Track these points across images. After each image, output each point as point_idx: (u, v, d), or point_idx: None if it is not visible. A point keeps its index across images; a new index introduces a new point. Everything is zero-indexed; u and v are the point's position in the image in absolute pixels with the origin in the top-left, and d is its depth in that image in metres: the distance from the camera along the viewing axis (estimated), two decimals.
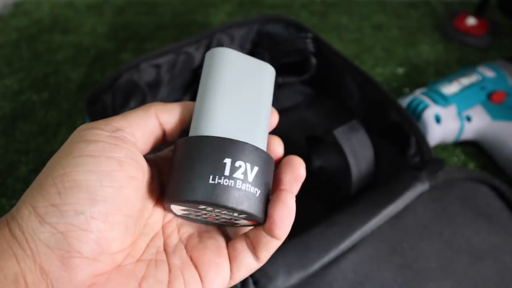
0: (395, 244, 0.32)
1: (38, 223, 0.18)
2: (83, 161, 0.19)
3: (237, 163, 0.20)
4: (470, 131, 0.42)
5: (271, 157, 0.22)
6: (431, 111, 0.41)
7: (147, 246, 0.22)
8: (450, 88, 0.43)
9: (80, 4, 0.62)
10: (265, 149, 0.23)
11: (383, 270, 0.30)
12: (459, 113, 0.42)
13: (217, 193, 0.20)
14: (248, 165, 0.21)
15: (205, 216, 0.22)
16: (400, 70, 0.52)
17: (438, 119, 0.41)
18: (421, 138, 0.36)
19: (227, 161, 0.20)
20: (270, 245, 0.22)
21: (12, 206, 0.40)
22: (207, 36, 0.44)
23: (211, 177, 0.20)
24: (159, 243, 0.22)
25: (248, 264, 0.22)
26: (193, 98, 0.44)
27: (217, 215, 0.22)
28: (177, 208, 0.22)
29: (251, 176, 0.20)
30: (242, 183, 0.20)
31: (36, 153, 0.44)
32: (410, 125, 0.37)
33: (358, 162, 0.35)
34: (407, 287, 0.30)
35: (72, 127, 0.46)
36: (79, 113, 0.47)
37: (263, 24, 0.46)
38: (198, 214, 0.22)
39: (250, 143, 0.21)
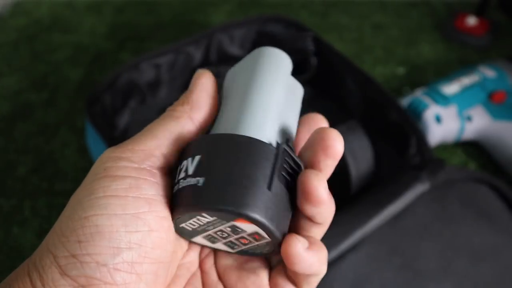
0: (395, 244, 0.31)
1: (59, 275, 0.16)
2: (106, 203, 0.17)
3: (182, 164, 0.18)
4: (471, 131, 0.42)
5: (236, 136, 0.18)
6: (431, 111, 0.41)
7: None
8: (451, 88, 0.43)
9: (79, 4, 0.62)
10: (236, 132, 0.19)
11: (383, 270, 0.30)
12: (460, 113, 0.42)
13: (177, 205, 0.18)
14: (190, 158, 0.18)
15: (233, 238, 0.19)
16: (400, 70, 0.52)
17: (438, 119, 0.41)
18: (421, 138, 0.36)
19: (180, 167, 0.18)
20: (311, 281, 0.19)
21: (11, 206, 0.40)
22: (207, 36, 0.44)
23: (175, 187, 0.18)
24: (197, 284, 0.20)
25: None
26: None
27: (221, 231, 0.18)
28: (198, 239, 0.20)
29: (191, 168, 0.18)
30: (183, 180, 0.18)
31: (35, 153, 0.44)
32: (410, 125, 0.37)
33: (357, 162, 0.35)
34: (408, 287, 0.30)
35: (72, 127, 0.46)
36: (79, 113, 0.47)
37: (263, 23, 0.46)
38: (218, 238, 0.19)
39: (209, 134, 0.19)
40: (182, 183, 0.18)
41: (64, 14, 0.60)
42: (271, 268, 0.21)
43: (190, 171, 0.18)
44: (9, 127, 0.46)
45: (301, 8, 0.62)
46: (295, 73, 0.46)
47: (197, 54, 0.43)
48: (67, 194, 0.41)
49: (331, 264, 0.30)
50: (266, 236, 0.18)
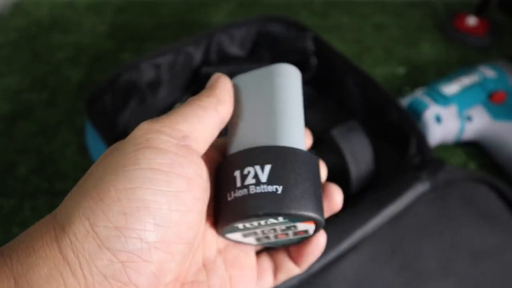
0: (396, 244, 0.31)
1: (97, 247, 0.15)
2: (152, 178, 0.16)
3: (245, 171, 0.19)
4: (471, 131, 0.42)
5: (292, 148, 0.20)
6: (431, 111, 0.41)
7: (190, 263, 0.21)
8: (451, 88, 0.43)
9: (79, 4, 0.62)
10: (285, 144, 0.21)
11: (384, 270, 0.30)
12: (460, 113, 0.42)
13: (236, 208, 0.19)
14: (258, 167, 0.19)
15: (272, 235, 0.21)
16: (401, 70, 0.52)
17: (438, 119, 0.41)
18: (421, 138, 0.36)
19: (236, 173, 0.20)
20: (291, 273, 0.23)
21: (11, 206, 0.40)
22: (207, 36, 0.44)
23: (227, 195, 0.19)
24: (199, 257, 0.21)
25: (289, 271, 0.23)
26: None
27: (273, 229, 0.21)
28: (239, 237, 0.21)
29: (263, 176, 0.19)
30: (256, 187, 0.19)
31: (35, 153, 0.44)
32: (410, 125, 0.37)
33: (357, 162, 0.35)
34: (408, 287, 0.30)
35: (72, 127, 0.46)
36: (79, 113, 0.47)
37: (263, 24, 0.46)
38: (261, 236, 0.21)
39: (261, 145, 0.20)
40: (256, 189, 0.19)
41: (64, 14, 0.60)
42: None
43: (264, 179, 0.19)
44: (9, 127, 0.46)
45: (301, 8, 0.62)
46: None
47: (197, 54, 0.43)
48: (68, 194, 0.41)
49: (331, 264, 0.30)
50: (311, 233, 0.21)
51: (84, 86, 0.50)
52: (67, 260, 0.15)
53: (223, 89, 0.21)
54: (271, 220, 0.19)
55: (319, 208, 0.19)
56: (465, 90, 0.43)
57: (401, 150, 0.37)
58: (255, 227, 0.20)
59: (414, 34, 0.57)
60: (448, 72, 0.51)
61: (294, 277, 0.29)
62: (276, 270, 0.23)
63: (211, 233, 0.22)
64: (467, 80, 0.44)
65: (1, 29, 0.58)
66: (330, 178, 0.39)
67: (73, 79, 0.51)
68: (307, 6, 0.62)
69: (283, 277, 0.23)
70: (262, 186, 0.19)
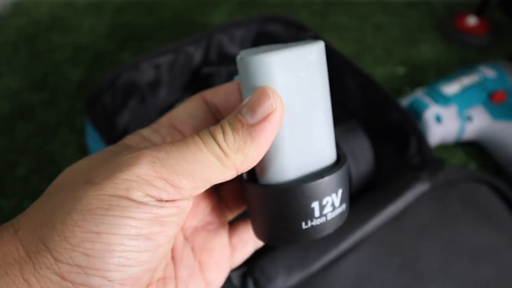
0: (396, 244, 0.31)
1: (60, 279, 0.15)
2: (122, 224, 0.16)
3: (324, 201, 0.20)
4: (471, 131, 0.42)
5: (344, 163, 0.21)
6: (431, 111, 0.41)
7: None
8: (451, 88, 0.43)
9: (79, 4, 0.62)
10: (335, 156, 0.21)
11: (384, 271, 0.30)
12: (460, 113, 0.42)
13: (311, 234, 0.20)
14: (334, 195, 0.20)
15: None
16: (401, 70, 0.52)
17: (438, 119, 0.41)
18: (421, 138, 0.36)
19: (315, 204, 0.20)
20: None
21: (11, 207, 0.40)
22: (207, 36, 0.44)
23: (303, 223, 0.20)
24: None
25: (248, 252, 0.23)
26: None
27: None
28: None
29: (337, 200, 0.20)
30: (332, 212, 0.20)
31: (35, 153, 0.44)
32: (410, 125, 0.36)
33: (357, 162, 0.35)
34: (408, 287, 0.30)
35: (72, 127, 0.46)
36: (79, 113, 0.47)
37: (263, 23, 0.46)
38: None
39: (325, 165, 0.20)
40: (332, 214, 0.20)
41: (64, 14, 0.60)
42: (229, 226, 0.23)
43: (337, 204, 0.20)
44: (9, 127, 0.46)
45: (301, 8, 0.62)
46: None
47: (197, 54, 0.43)
48: None
49: (331, 264, 0.30)
50: None
51: (84, 86, 0.50)
52: (29, 283, 0.15)
53: (263, 146, 0.18)
54: None
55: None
56: (465, 90, 0.43)
57: (401, 150, 0.37)
58: None
59: (414, 34, 0.57)
60: (448, 72, 0.51)
61: (294, 277, 0.29)
62: None
63: None
64: (467, 80, 0.44)
65: (1, 29, 0.58)
66: None
67: (73, 79, 0.51)
68: (307, 6, 0.62)
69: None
70: (336, 210, 0.20)
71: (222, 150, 0.17)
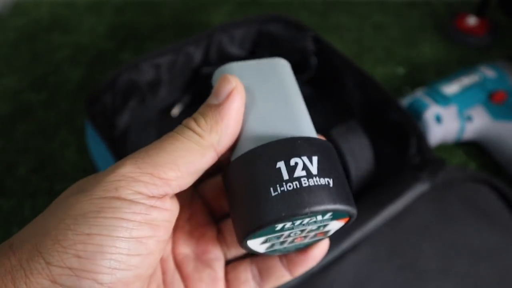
0: (396, 244, 0.31)
1: (50, 282, 0.16)
2: (114, 226, 0.16)
3: (292, 161, 0.17)
4: (471, 131, 0.42)
5: (327, 142, 0.19)
6: (431, 111, 0.41)
7: (149, 283, 0.20)
8: (451, 88, 0.43)
9: (79, 4, 0.62)
10: (315, 136, 0.20)
11: (384, 271, 0.30)
12: (460, 113, 0.42)
13: (285, 203, 0.17)
14: (305, 158, 0.18)
15: (291, 239, 0.19)
16: (401, 70, 0.52)
17: (438, 119, 0.41)
18: (421, 138, 0.36)
19: (280, 164, 0.17)
20: (281, 281, 0.21)
21: (10, 207, 0.40)
22: (207, 36, 0.44)
23: (271, 189, 0.17)
24: (159, 274, 0.21)
25: None
26: (193, 98, 0.44)
27: (302, 231, 0.19)
28: (256, 244, 0.19)
29: (313, 168, 0.18)
30: (307, 180, 0.17)
31: (35, 153, 0.44)
32: (410, 125, 0.36)
33: (357, 162, 0.35)
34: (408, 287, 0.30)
35: (72, 127, 0.46)
36: (79, 113, 0.47)
37: (263, 23, 0.46)
38: (282, 240, 0.19)
39: (297, 135, 0.19)
40: (309, 182, 0.17)
41: (64, 14, 0.60)
42: (227, 263, 0.22)
43: (314, 171, 0.18)
44: (9, 127, 0.46)
45: (301, 8, 0.62)
46: (295, 73, 0.46)
47: (197, 54, 0.43)
48: None
49: (331, 264, 0.30)
50: (330, 235, 0.21)
51: (84, 86, 0.50)
52: None
53: (232, 120, 0.19)
54: (315, 218, 0.18)
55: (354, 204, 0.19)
56: (465, 90, 0.43)
57: (401, 150, 0.37)
58: (289, 228, 0.18)
59: (414, 34, 0.57)
60: (448, 72, 0.51)
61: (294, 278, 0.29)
62: (263, 276, 0.21)
63: (168, 248, 0.21)
64: (467, 80, 0.44)
65: (1, 29, 0.58)
66: None
67: (73, 79, 0.51)
68: (307, 6, 0.62)
69: (272, 283, 0.21)
70: (314, 179, 0.17)
71: (197, 134, 0.18)
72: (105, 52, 0.55)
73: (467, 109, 0.42)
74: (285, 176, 0.17)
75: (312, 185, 0.17)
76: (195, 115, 0.19)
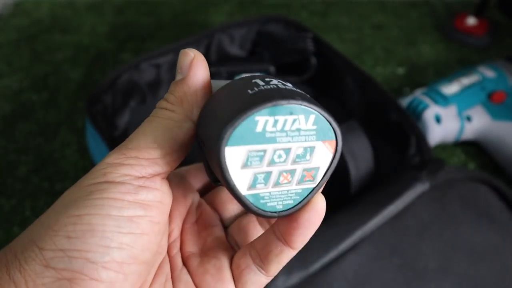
0: (395, 244, 0.31)
1: (43, 267, 0.16)
2: (102, 204, 0.17)
3: (267, 79, 0.18)
4: (470, 131, 0.42)
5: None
6: (431, 111, 0.41)
7: (156, 275, 0.20)
8: (450, 88, 0.43)
9: (79, 4, 0.62)
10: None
11: (384, 270, 0.30)
12: (459, 113, 0.42)
13: (265, 95, 0.17)
14: (280, 80, 0.19)
15: (276, 170, 0.18)
16: (400, 70, 0.52)
17: (438, 119, 0.41)
18: (421, 138, 0.36)
19: (256, 79, 0.18)
20: (282, 257, 0.19)
21: (11, 206, 0.40)
22: (207, 36, 0.44)
23: (248, 91, 0.17)
24: (167, 268, 0.21)
25: (255, 282, 0.20)
26: None
27: (286, 153, 0.18)
28: (236, 167, 0.17)
29: (289, 84, 0.18)
30: (285, 86, 0.18)
31: (35, 153, 0.44)
32: (410, 125, 0.37)
33: (357, 162, 0.35)
34: (408, 287, 0.30)
35: (72, 127, 0.46)
36: (79, 113, 0.47)
37: (263, 24, 0.46)
38: (266, 170, 0.18)
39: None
40: (286, 87, 0.18)
41: (65, 14, 0.61)
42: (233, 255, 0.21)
43: (290, 85, 0.18)
44: (9, 127, 0.46)
45: (301, 8, 0.62)
46: (295, 73, 0.46)
47: None
48: None
49: (331, 264, 0.30)
50: (320, 180, 0.19)
51: (84, 86, 0.50)
52: (14, 280, 0.16)
53: (198, 88, 0.19)
54: (298, 123, 0.17)
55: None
56: (465, 90, 0.43)
57: (401, 150, 0.37)
58: (271, 139, 0.17)
59: (413, 34, 0.57)
60: (448, 72, 0.51)
61: (294, 277, 0.29)
62: (263, 257, 0.20)
63: (176, 246, 0.22)
64: (466, 80, 0.44)
65: (1, 29, 0.58)
66: (329, 178, 0.39)
67: (73, 79, 0.51)
68: (307, 6, 0.62)
69: (275, 262, 0.20)
70: (291, 87, 0.18)
71: (170, 110, 0.19)
72: (105, 52, 0.55)
73: (466, 109, 0.42)
74: (262, 84, 0.18)
75: (289, 88, 0.18)
76: (165, 94, 0.20)
